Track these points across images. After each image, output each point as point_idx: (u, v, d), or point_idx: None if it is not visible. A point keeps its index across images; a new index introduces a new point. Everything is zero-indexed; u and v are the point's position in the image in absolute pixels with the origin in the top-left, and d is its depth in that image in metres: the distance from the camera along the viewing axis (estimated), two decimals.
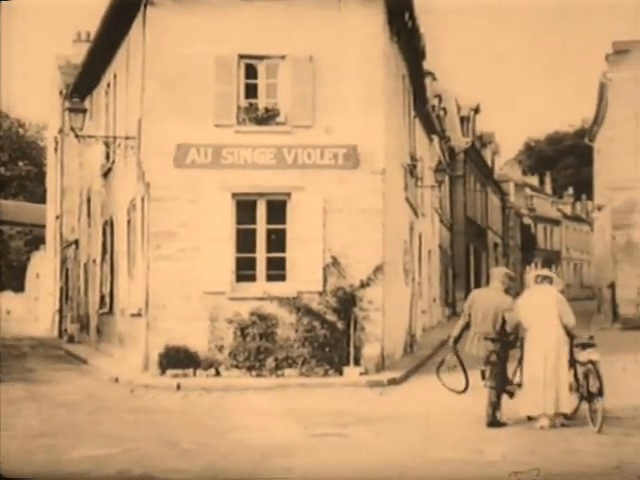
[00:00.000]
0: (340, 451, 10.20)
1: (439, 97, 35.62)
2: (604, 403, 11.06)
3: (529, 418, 11.52)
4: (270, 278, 17.18)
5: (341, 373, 16.50)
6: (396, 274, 19.48)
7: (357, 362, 16.71)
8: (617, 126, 30.82)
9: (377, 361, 17.00)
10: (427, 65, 25.74)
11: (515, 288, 13.50)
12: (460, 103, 42.37)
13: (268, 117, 17.42)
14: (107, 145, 21.20)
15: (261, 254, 17.23)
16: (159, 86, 17.23)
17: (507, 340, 11.59)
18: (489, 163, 50.28)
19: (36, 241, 41.47)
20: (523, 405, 11.55)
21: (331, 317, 16.88)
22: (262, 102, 17.49)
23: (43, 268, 37.80)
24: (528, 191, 64.63)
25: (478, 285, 38.77)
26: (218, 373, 16.54)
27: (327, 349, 16.65)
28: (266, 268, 17.21)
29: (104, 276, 22.54)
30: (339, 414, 12.68)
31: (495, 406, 11.49)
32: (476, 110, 44.33)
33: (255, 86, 17.53)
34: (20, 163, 49.17)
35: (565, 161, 71.67)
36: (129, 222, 19.29)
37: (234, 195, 17.20)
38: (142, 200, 17.67)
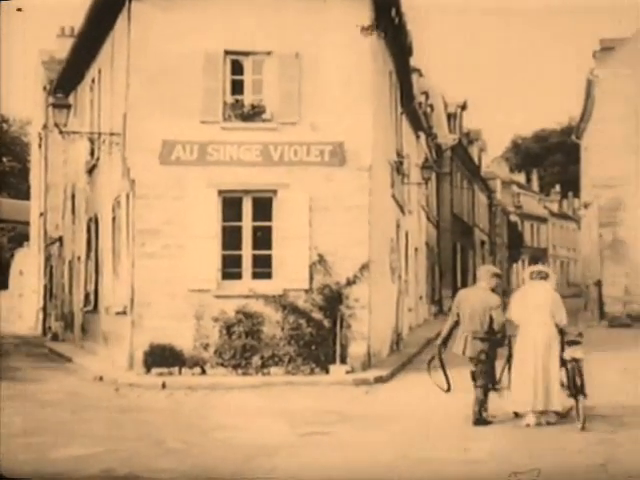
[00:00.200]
0: (326, 450, 10.15)
1: (426, 94, 35.60)
2: (585, 401, 11.08)
3: (516, 415, 11.49)
4: (256, 276, 17.10)
5: (327, 371, 16.42)
6: (382, 272, 19.42)
7: (343, 360, 16.65)
8: (604, 123, 30.87)
9: (363, 359, 16.94)
10: (414, 62, 25.68)
11: (502, 286, 13.48)
12: (447, 100, 42.36)
13: (254, 114, 17.33)
14: (92, 141, 21.06)
15: (247, 252, 17.14)
16: (144, 82, 17.12)
17: (495, 339, 11.55)
18: (476, 160, 50.29)
19: (20, 238, 41.17)
20: (511, 402, 11.52)
21: (317, 315, 16.80)
22: (248, 98, 17.40)
23: (27, 265, 37.51)
24: (515, 188, 64.79)
25: (465, 283, 38.82)
26: (204, 371, 16.45)
27: (313, 347, 16.57)
28: (252, 266, 17.14)
29: (89, 274, 22.40)
30: (325, 412, 12.63)
31: (482, 404, 11.45)
32: (463, 107, 44.33)
33: (241, 82, 17.44)
34: (4, 159, 48.82)
35: (552, 159, 71.79)
36: (114, 219, 19.16)
37: (220, 192, 17.10)
38: (127, 197, 17.55)
